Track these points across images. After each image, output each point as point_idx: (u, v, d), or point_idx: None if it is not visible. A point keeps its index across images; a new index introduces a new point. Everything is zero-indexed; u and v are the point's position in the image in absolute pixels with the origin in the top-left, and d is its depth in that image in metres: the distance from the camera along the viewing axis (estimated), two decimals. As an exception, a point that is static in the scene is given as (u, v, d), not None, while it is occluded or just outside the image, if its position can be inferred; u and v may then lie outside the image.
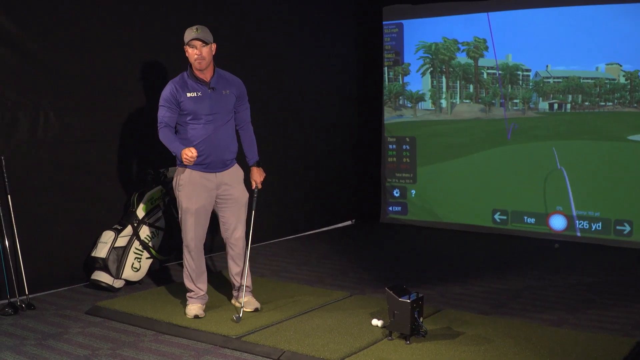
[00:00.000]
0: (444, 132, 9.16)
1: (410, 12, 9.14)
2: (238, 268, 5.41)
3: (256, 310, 5.37)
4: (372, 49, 9.48)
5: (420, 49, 9.20)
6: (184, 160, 4.88)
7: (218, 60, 5.26)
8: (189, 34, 5.02)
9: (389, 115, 9.48)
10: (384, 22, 9.35)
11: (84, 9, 6.21)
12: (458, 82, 8.98)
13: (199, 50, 4.99)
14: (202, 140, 5.06)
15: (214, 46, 5.09)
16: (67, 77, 6.12)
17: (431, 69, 9.14)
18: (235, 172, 5.31)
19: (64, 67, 6.09)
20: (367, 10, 9.49)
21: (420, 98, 9.27)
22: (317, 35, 8.93)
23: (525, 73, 8.41)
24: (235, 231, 5.33)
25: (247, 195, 5.36)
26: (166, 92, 5.07)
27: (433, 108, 9.19)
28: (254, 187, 5.41)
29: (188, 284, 5.31)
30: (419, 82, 9.24)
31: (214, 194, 5.20)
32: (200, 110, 5.06)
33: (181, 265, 6.98)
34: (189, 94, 5.05)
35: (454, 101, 9.01)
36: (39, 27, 5.89)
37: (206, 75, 5.11)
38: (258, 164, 5.43)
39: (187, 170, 5.11)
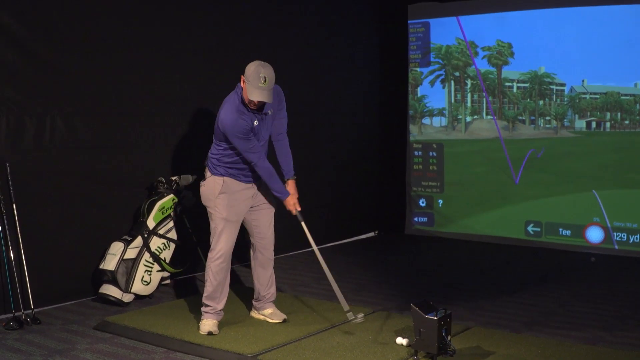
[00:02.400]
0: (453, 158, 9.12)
1: (437, 11, 9.10)
2: (267, 274, 5.53)
3: (284, 321, 5.49)
4: (397, 50, 9.49)
5: (429, 52, 9.12)
6: (288, 207, 5.39)
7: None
8: (255, 83, 4.92)
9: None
10: (409, 21, 9.34)
11: (94, 9, 6.28)
12: (472, 93, 8.79)
13: (259, 102, 5.04)
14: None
15: None
16: (75, 80, 6.19)
17: (442, 76, 9.07)
18: None
19: (72, 69, 6.16)
20: (391, 8, 9.49)
21: (430, 113, 9.18)
22: (339, 35, 8.95)
23: (559, 87, 8.25)
24: (266, 235, 5.47)
25: (275, 200, 5.52)
26: (239, 124, 5.02)
27: (446, 124, 9.11)
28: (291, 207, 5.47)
29: (207, 299, 5.32)
30: (437, 93, 9.14)
31: (250, 203, 5.36)
32: (258, 139, 5.18)
33: (193, 278, 7.03)
34: (251, 127, 5.14)
35: (476, 117, 8.92)
36: (45, 28, 5.97)
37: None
38: (294, 178, 5.52)
39: (226, 178, 5.23)
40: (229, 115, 5.05)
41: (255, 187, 5.37)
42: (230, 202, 5.24)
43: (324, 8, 8.72)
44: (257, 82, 4.94)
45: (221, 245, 5.26)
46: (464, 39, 8.74)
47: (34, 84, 5.93)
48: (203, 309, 5.36)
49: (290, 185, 5.49)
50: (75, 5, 6.15)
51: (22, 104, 5.85)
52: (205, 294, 5.34)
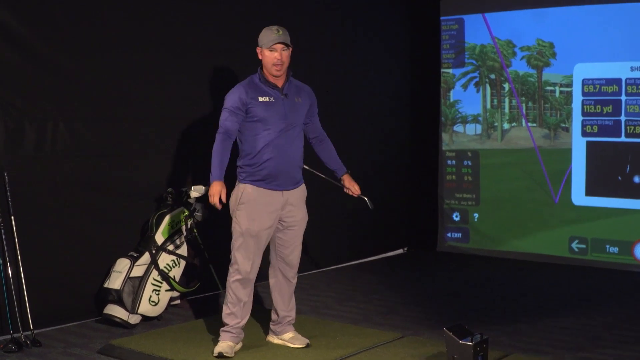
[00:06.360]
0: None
1: (472, 6, 9.08)
2: (287, 295, 5.53)
3: (307, 346, 5.49)
4: (429, 49, 9.48)
5: (463, 52, 9.09)
6: (210, 197, 5.09)
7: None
8: (269, 36, 5.19)
9: None
10: (441, 18, 9.34)
11: (98, 8, 6.33)
12: (510, 98, 8.72)
13: (279, 54, 5.17)
14: (274, 155, 5.21)
15: (291, 50, 5.28)
16: (79, 82, 6.24)
17: (476, 79, 9.03)
18: (302, 192, 5.50)
19: (75, 71, 6.21)
20: (422, 3, 9.48)
21: (463, 120, 9.15)
22: (365, 32, 8.95)
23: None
24: (293, 252, 5.48)
25: (307, 217, 5.55)
26: (233, 95, 5.22)
27: (480, 132, 9.07)
28: (356, 194, 5.86)
29: (225, 317, 5.29)
30: (471, 98, 9.12)
31: (278, 215, 5.32)
32: (272, 118, 5.21)
33: (205, 298, 7.05)
34: (260, 99, 5.21)
35: (514, 125, 8.86)
36: (47, 27, 6.02)
37: (279, 81, 5.29)
38: (348, 172, 5.85)
39: (250, 186, 5.23)
40: (233, 88, 5.26)
41: (286, 197, 5.33)
42: (252, 212, 5.21)
43: (350, 3, 8.72)
44: (272, 35, 5.20)
45: (241, 262, 5.25)
46: (491, 37, 8.73)
47: (34, 87, 5.97)
48: (221, 329, 5.34)
49: (347, 181, 5.79)
50: (79, 3, 6.21)
51: (22, 108, 5.90)
52: (223, 312, 5.32)
